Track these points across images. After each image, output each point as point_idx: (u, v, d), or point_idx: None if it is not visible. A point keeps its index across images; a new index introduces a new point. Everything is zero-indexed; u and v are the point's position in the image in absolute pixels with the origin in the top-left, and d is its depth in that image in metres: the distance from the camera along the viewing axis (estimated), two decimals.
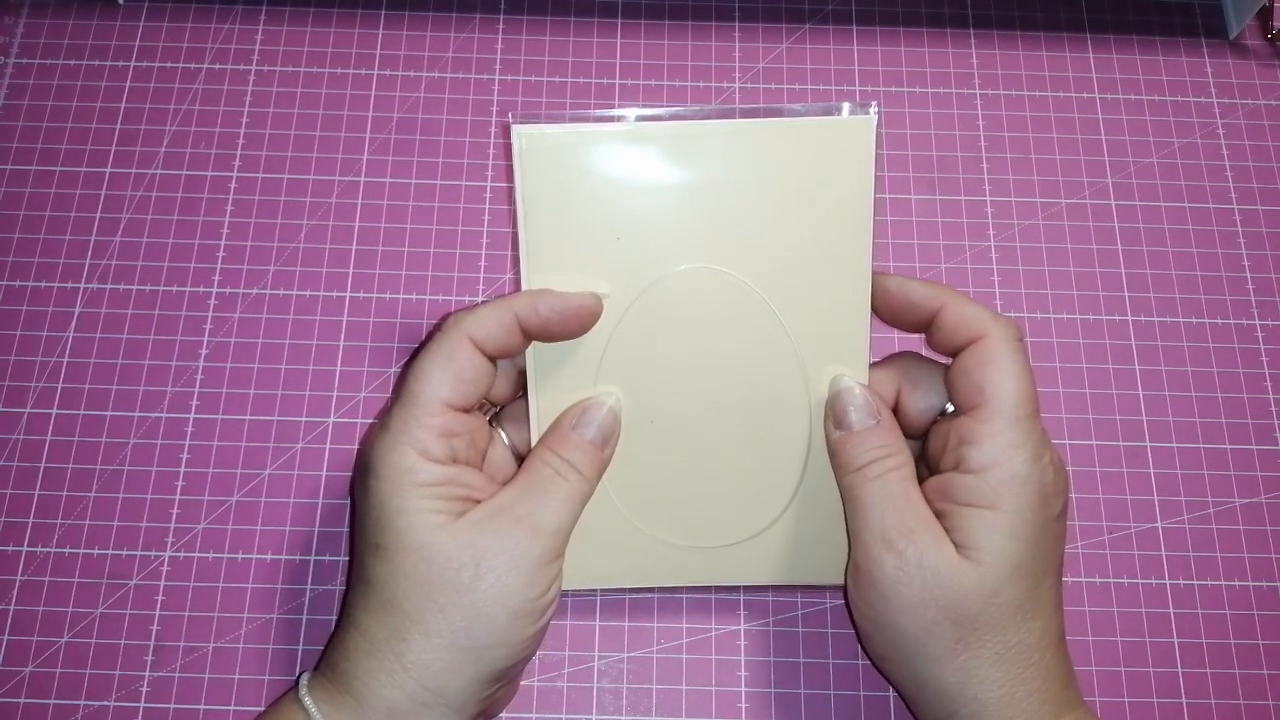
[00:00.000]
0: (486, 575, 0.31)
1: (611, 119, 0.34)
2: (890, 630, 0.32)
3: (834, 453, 0.35)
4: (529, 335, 0.34)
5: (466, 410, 0.34)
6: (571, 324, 0.34)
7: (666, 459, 0.36)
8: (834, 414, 0.35)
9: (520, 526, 0.32)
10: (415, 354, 0.34)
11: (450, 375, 0.33)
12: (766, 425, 0.36)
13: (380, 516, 0.32)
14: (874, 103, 0.34)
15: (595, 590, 0.39)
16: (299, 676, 0.33)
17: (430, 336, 0.34)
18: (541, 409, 0.36)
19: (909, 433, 0.36)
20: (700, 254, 0.35)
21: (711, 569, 0.37)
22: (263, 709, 0.37)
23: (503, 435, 0.37)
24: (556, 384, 0.35)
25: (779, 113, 0.35)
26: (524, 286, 0.35)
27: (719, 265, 0.35)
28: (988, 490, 0.32)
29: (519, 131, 0.34)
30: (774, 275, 0.35)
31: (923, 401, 0.35)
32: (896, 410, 0.36)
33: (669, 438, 0.36)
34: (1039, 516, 0.32)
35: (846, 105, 0.35)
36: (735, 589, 0.40)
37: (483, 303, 0.34)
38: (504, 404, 0.37)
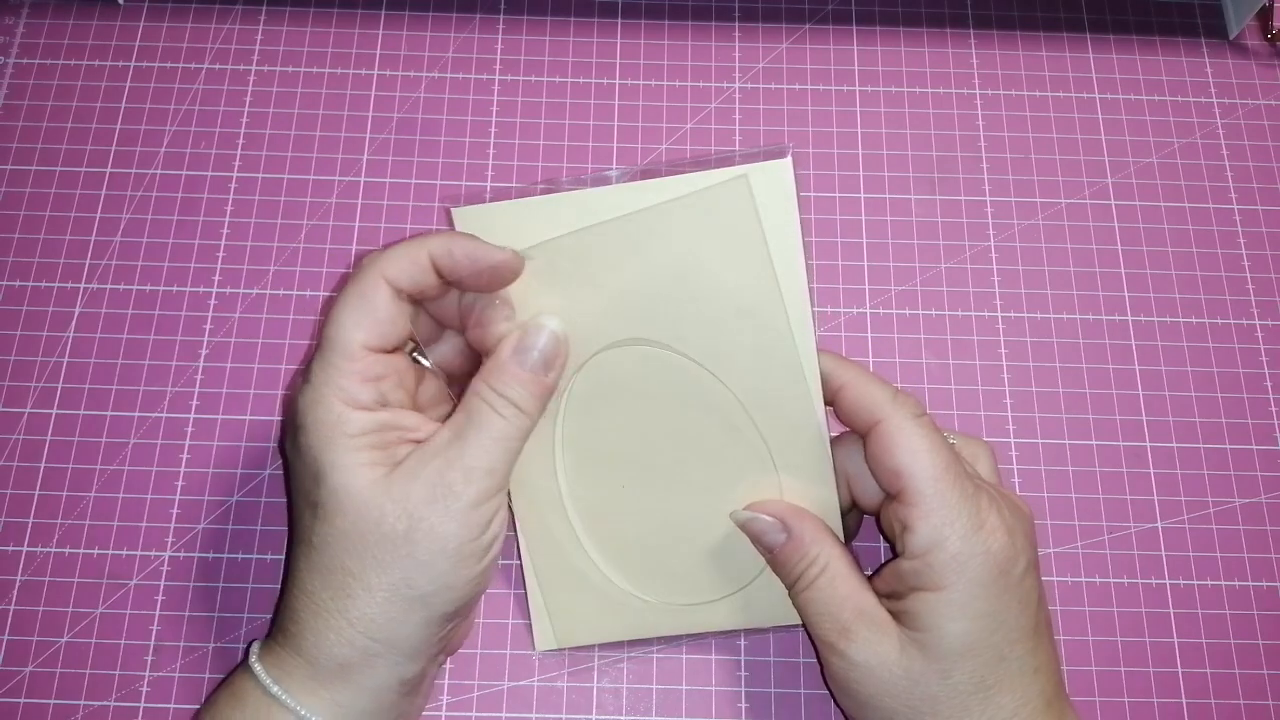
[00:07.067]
0: (420, 525, 0.31)
1: (548, 191, 0.34)
2: (864, 717, 0.33)
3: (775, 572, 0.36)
4: (444, 279, 0.33)
5: (388, 351, 0.33)
6: (485, 276, 0.33)
7: (642, 520, 0.37)
8: (754, 544, 0.36)
9: (452, 469, 0.31)
10: (333, 299, 0.33)
11: (365, 317, 0.32)
12: (734, 483, 0.36)
13: (316, 473, 0.31)
14: (789, 145, 0.33)
15: (593, 646, 0.39)
16: (249, 645, 0.33)
17: (345, 279, 0.33)
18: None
19: (870, 511, 0.36)
20: (635, 327, 0.35)
21: (700, 621, 0.37)
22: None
23: (428, 363, 0.36)
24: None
25: (695, 165, 0.34)
26: None
27: (653, 337, 0.35)
28: (931, 573, 0.31)
29: (457, 214, 0.34)
30: (708, 344, 0.35)
31: (869, 489, 0.35)
32: (851, 494, 0.36)
33: (642, 501, 0.36)
34: (993, 588, 0.31)
35: (762, 150, 0.34)
36: None
37: (399, 241, 0.33)
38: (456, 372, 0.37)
